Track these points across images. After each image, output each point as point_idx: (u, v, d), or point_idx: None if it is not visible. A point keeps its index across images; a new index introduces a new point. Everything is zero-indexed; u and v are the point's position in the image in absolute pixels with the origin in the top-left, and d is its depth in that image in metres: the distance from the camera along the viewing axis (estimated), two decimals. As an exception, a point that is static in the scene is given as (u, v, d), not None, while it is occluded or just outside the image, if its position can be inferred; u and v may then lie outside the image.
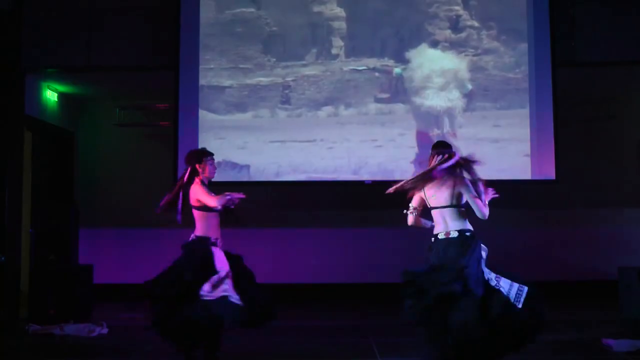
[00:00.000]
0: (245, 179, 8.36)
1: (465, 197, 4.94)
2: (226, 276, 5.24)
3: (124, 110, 10.03)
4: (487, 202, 4.99)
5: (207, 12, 8.66)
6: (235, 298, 5.20)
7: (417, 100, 8.50)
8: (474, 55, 8.53)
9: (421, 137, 8.38)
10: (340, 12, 8.58)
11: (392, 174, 8.18)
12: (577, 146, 9.71)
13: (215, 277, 5.23)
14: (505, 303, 4.71)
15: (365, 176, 8.44)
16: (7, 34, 8.38)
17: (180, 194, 5.49)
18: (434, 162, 4.98)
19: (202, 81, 8.62)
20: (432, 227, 5.01)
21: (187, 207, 5.49)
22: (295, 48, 8.64)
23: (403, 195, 5.05)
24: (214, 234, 5.44)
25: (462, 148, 8.45)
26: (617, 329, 7.12)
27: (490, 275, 4.86)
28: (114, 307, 8.98)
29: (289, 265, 9.83)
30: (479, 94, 8.51)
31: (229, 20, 8.68)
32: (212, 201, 5.32)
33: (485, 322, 4.61)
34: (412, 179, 4.92)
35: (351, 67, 8.54)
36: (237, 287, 5.27)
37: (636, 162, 9.92)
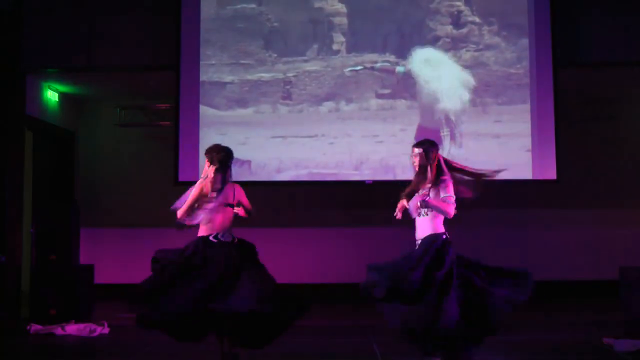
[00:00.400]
0: (246, 174, 8.35)
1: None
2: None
3: (125, 110, 10.03)
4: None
5: (208, 8, 8.66)
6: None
7: (418, 95, 8.49)
8: (475, 51, 8.52)
9: (422, 132, 8.37)
10: (341, 8, 8.58)
11: (394, 170, 8.21)
12: (578, 146, 9.71)
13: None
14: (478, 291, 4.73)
15: (366, 172, 8.44)
16: (7, 34, 8.39)
17: None
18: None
19: (203, 77, 8.62)
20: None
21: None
22: (297, 44, 8.64)
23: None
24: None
25: (464, 143, 8.50)
26: (618, 329, 7.12)
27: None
28: (114, 306, 8.98)
29: (290, 264, 9.82)
30: (480, 89, 8.49)
31: (230, 16, 8.68)
32: None
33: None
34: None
35: (352, 63, 8.53)
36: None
37: (637, 162, 9.92)
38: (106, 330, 7.35)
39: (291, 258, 9.89)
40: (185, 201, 5.26)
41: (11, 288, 8.13)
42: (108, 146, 10.37)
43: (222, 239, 5.22)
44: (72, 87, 9.57)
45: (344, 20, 8.58)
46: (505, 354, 6.04)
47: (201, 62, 8.61)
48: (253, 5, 8.66)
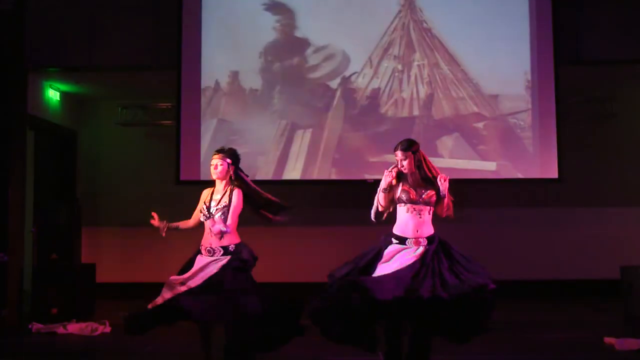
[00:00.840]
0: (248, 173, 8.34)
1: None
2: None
3: (126, 109, 10.04)
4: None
5: (209, 9, 8.65)
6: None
7: (420, 94, 8.49)
8: (476, 49, 8.50)
9: (423, 132, 8.39)
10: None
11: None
12: (579, 145, 9.71)
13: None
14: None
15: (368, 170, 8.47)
16: (9, 33, 8.38)
17: None
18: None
19: (204, 79, 8.62)
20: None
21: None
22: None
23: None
24: (204, 241, 5.17)
25: (463, 143, 8.50)
26: (619, 328, 7.13)
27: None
28: (116, 305, 8.99)
29: (291, 264, 9.84)
30: (481, 88, 8.48)
31: (231, 17, 8.67)
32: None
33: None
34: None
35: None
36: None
37: (638, 161, 9.92)
38: (108, 329, 7.35)
39: (292, 257, 9.90)
40: (233, 217, 5.16)
41: (13, 287, 8.13)
42: (109, 145, 10.38)
43: None
44: (74, 86, 9.57)
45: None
46: (506, 353, 6.04)
47: (202, 64, 8.60)
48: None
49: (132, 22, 8.61)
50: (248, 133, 8.56)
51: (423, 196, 4.96)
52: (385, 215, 5.12)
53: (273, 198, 5.32)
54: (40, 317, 7.76)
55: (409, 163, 5.01)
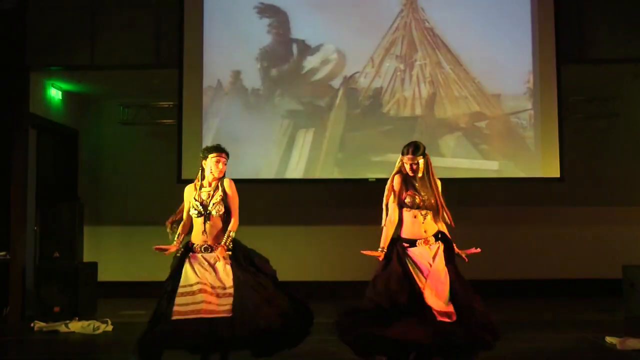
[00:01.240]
0: (250, 175, 8.35)
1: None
2: (199, 290, 4.88)
3: (128, 108, 10.05)
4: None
5: (211, 9, 8.65)
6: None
7: (422, 93, 8.49)
8: (478, 48, 8.50)
9: (424, 131, 8.39)
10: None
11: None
12: (582, 144, 9.72)
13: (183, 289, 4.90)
14: None
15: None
16: (11, 32, 8.39)
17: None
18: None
19: (206, 78, 8.61)
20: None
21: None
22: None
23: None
24: (196, 239, 5.10)
25: (466, 142, 8.50)
26: (621, 328, 7.12)
27: None
28: (118, 304, 9.01)
29: (292, 263, 9.83)
30: (484, 87, 8.48)
31: (233, 17, 8.67)
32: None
33: None
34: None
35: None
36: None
37: (641, 160, 9.94)
38: (110, 327, 7.36)
39: (295, 256, 9.90)
40: (235, 209, 5.15)
41: (15, 285, 8.15)
42: (111, 144, 10.39)
43: None
44: (76, 85, 9.58)
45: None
46: (507, 353, 6.03)
47: (204, 64, 8.60)
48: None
49: (133, 21, 8.61)
50: (250, 133, 8.55)
51: (430, 201, 4.97)
52: None
53: None
54: (42, 316, 7.78)
55: (418, 167, 4.99)
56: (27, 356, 6.45)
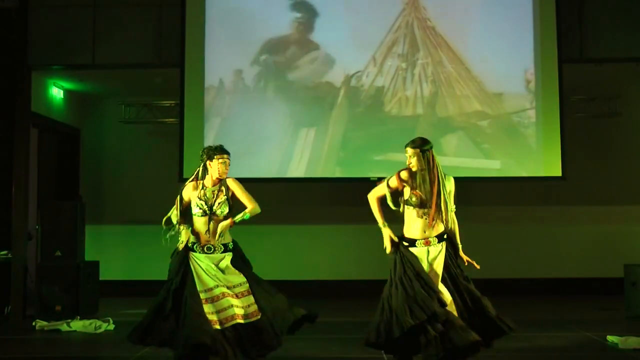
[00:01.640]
0: (252, 174, 8.35)
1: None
2: (222, 295, 4.94)
3: (130, 107, 10.05)
4: None
5: (213, 7, 8.65)
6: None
7: (424, 92, 8.49)
8: (480, 47, 8.49)
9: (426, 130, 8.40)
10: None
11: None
12: (583, 143, 9.71)
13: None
14: None
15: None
16: (13, 31, 8.40)
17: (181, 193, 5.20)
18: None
19: (208, 77, 8.61)
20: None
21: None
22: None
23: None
24: (198, 238, 5.10)
25: (467, 141, 8.49)
26: (623, 327, 7.12)
27: None
28: (119, 303, 9.01)
29: (294, 262, 9.85)
30: (485, 86, 8.47)
31: (235, 16, 8.67)
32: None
33: None
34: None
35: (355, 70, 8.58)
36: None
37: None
38: (111, 326, 7.36)
39: (297, 255, 9.91)
40: (249, 196, 5.21)
41: (17, 284, 8.16)
42: (113, 143, 10.39)
43: None
44: (77, 84, 9.59)
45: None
46: (508, 352, 6.03)
47: (205, 63, 8.59)
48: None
49: (135, 19, 8.62)
50: (252, 132, 8.54)
51: (432, 199, 4.90)
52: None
53: None
54: (43, 315, 7.78)
55: (417, 161, 4.95)
56: (29, 355, 6.45)
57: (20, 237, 8.26)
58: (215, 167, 5.14)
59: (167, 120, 9.77)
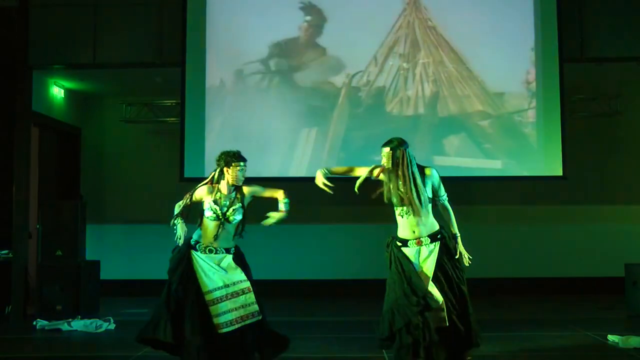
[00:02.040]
0: (253, 174, 8.33)
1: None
2: (232, 294, 4.95)
3: (131, 107, 10.06)
4: None
5: (214, 7, 8.65)
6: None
7: (425, 92, 8.48)
8: (481, 47, 8.48)
9: (426, 130, 8.39)
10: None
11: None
12: (584, 143, 9.71)
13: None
14: None
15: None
16: (14, 30, 8.41)
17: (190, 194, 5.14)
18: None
19: (209, 76, 8.60)
20: None
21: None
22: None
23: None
24: (204, 240, 5.07)
25: (469, 141, 8.49)
26: (624, 326, 7.13)
27: None
28: (120, 302, 9.02)
29: (296, 261, 9.85)
30: (487, 86, 8.47)
31: (236, 16, 8.66)
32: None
33: None
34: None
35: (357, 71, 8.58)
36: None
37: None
38: (112, 325, 7.37)
39: (295, 254, 9.91)
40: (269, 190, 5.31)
41: (18, 284, 8.16)
42: (114, 142, 10.40)
43: None
44: (78, 83, 9.59)
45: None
46: (509, 351, 6.04)
47: (207, 62, 8.58)
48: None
49: (136, 19, 8.61)
50: (253, 132, 8.52)
51: (407, 196, 4.87)
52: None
53: None
54: (44, 314, 7.79)
55: (387, 160, 4.98)
56: (30, 354, 6.46)
57: (21, 236, 8.27)
58: (232, 174, 5.10)
59: (168, 119, 9.78)
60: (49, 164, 9.44)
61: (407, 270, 4.83)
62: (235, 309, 4.90)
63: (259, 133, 8.54)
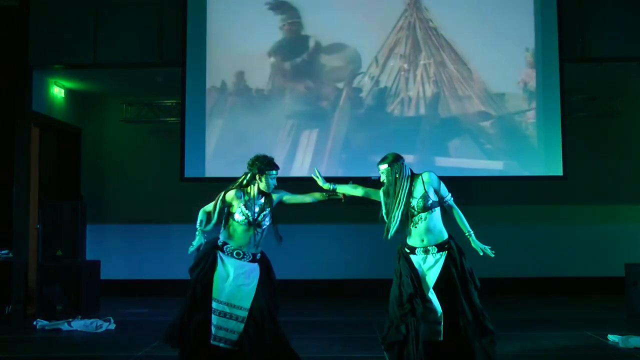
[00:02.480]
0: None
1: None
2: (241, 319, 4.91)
3: (131, 106, 10.06)
4: None
5: (215, 8, 8.64)
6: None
7: (426, 93, 8.48)
8: (482, 47, 8.48)
9: (426, 130, 8.39)
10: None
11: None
12: (585, 143, 9.72)
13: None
14: None
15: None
16: (14, 30, 8.40)
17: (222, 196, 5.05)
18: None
19: (209, 76, 8.60)
20: None
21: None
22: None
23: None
24: (234, 242, 5.00)
25: (470, 142, 8.49)
26: (624, 326, 7.13)
27: None
28: (121, 302, 9.03)
29: (296, 261, 9.84)
30: (487, 86, 8.47)
31: (237, 17, 8.66)
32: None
33: None
34: None
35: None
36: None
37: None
38: (112, 325, 7.38)
39: (295, 254, 9.90)
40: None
41: (18, 284, 8.16)
42: (114, 142, 10.40)
43: None
44: (78, 83, 9.58)
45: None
46: (509, 351, 6.05)
47: (207, 62, 8.58)
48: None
49: (136, 19, 8.60)
50: (253, 133, 8.51)
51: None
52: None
53: None
54: (45, 314, 7.78)
55: (385, 177, 4.97)
56: (30, 354, 6.46)
57: (21, 236, 8.26)
58: (265, 181, 5.04)
59: (168, 119, 9.78)
60: (49, 164, 9.44)
61: (411, 277, 4.81)
62: (224, 329, 4.85)
63: (259, 133, 8.53)
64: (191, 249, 5.00)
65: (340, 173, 8.51)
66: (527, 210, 10.02)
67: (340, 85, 8.55)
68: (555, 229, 9.96)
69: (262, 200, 5.07)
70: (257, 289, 4.94)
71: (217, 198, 5.02)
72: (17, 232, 8.24)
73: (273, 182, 5.07)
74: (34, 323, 7.47)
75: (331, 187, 5.23)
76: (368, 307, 8.74)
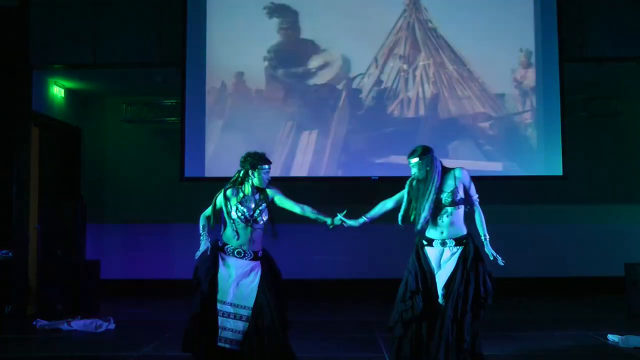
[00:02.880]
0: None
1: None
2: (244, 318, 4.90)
3: (131, 106, 10.06)
4: None
5: (215, 9, 8.64)
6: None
7: (426, 94, 8.48)
8: (481, 48, 8.48)
9: (426, 131, 8.39)
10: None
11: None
12: (584, 143, 9.72)
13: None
14: None
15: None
16: (14, 30, 8.40)
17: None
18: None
19: (210, 79, 8.60)
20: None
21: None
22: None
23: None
24: (233, 242, 5.00)
25: (470, 143, 8.50)
26: (623, 325, 7.13)
27: None
28: (121, 302, 9.03)
29: (296, 261, 9.84)
30: (487, 87, 8.47)
31: (237, 18, 8.66)
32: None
33: None
34: None
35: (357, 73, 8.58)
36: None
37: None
38: (112, 325, 7.37)
39: (295, 254, 9.90)
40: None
41: (18, 283, 8.16)
42: (114, 142, 10.40)
43: None
44: (78, 83, 9.59)
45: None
46: (509, 350, 6.05)
47: (207, 62, 8.58)
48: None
49: (136, 19, 8.61)
50: (253, 134, 8.52)
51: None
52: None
53: None
54: (44, 314, 7.78)
55: (418, 170, 4.93)
56: (29, 354, 6.46)
57: (21, 236, 8.27)
58: (258, 177, 5.06)
59: (168, 119, 9.78)
60: (49, 163, 9.43)
61: (411, 272, 4.84)
62: (229, 329, 4.86)
63: (259, 134, 8.53)
64: (198, 254, 4.99)
65: (339, 173, 8.53)
66: (526, 210, 10.02)
67: (340, 86, 8.55)
68: (555, 229, 9.96)
69: (258, 196, 5.07)
70: (259, 287, 4.94)
71: (213, 201, 5.05)
72: (17, 232, 8.25)
73: (267, 176, 5.08)
74: (34, 323, 7.46)
75: (364, 220, 5.19)
76: (368, 307, 8.74)
